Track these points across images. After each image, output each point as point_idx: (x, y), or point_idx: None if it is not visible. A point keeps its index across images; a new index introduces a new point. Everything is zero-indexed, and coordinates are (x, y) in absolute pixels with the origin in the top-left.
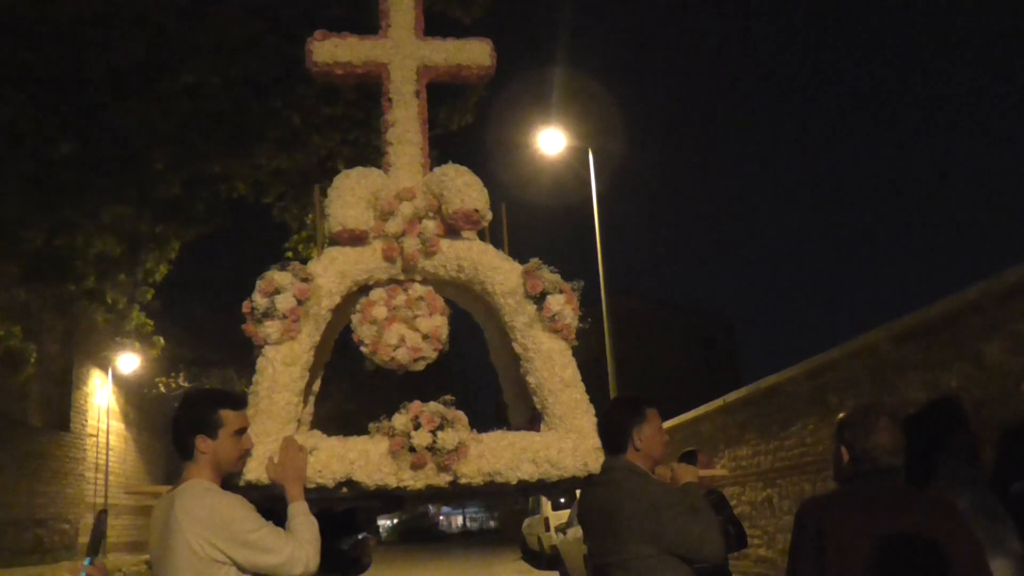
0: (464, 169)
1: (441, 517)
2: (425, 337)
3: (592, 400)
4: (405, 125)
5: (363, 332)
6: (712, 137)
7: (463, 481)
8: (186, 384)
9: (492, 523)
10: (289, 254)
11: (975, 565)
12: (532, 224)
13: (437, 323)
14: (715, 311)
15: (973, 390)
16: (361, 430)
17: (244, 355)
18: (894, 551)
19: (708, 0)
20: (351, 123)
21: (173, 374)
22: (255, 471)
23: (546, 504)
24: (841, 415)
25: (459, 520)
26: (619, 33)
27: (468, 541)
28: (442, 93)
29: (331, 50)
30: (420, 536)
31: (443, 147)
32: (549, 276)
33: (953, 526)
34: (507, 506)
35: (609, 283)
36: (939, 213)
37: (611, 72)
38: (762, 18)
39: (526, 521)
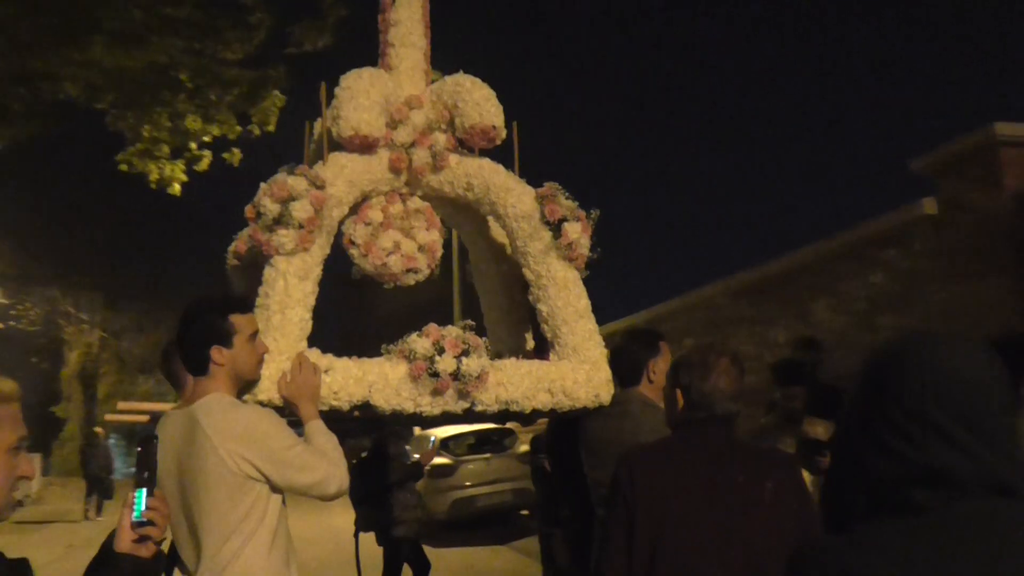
0: (480, 82)
1: None
2: (420, 248)
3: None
4: (409, 26)
5: (356, 232)
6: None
7: (479, 408)
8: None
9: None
10: (124, 167)
11: (804, 526)
12: None
13: (434, 237)
14: None
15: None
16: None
17: (71, 272)
18: (710, 509)
19: None
20: (196, 30)
21: None
22: (267, 391)
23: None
24: (679, 355)
25: None
26: None
27: None
28: (297, 9)
29: None
30: None
31: (298, 68)
32: (566, 203)
33: (783, 481)
34: None
35: None
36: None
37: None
38: None
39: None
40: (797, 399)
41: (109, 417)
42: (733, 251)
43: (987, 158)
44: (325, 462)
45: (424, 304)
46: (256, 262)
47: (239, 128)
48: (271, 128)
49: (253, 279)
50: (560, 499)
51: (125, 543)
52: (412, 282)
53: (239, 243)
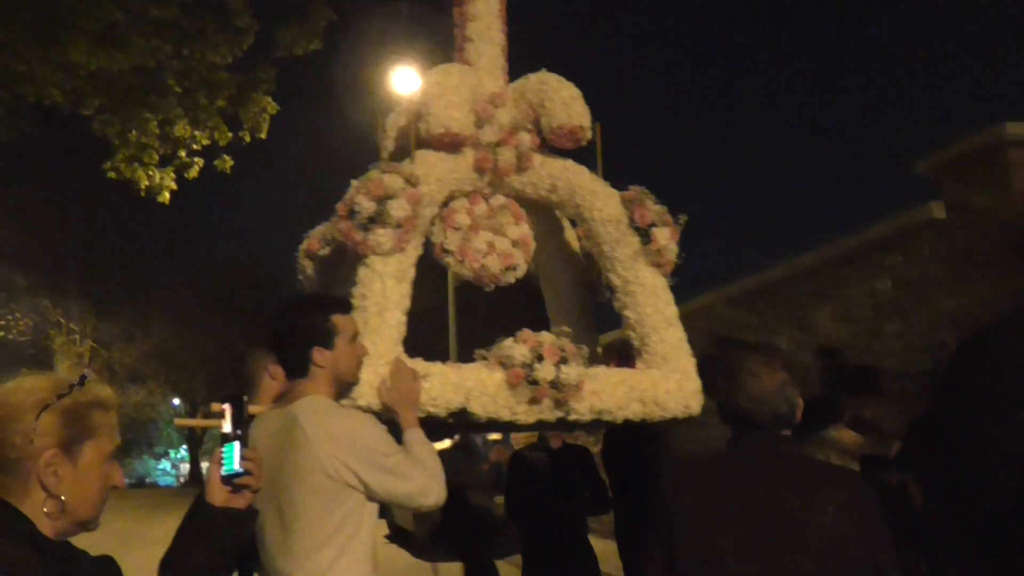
0: (566, 81)
1: None
2: (514, 244)
3: (436, 347)
4: (487, 21)
5: (447, 239)
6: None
7: (572, 418)
8: None
9: None
10: (112, 174)
11: (874, 558)
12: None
13: (525, 230)
14: None
15: (801, 355)
16: (196, 366)
17: (61, 282)
18: (760, 537)
19: None
20: (183, 34)
21: None
22: (367, 395)
23: None
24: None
25: None
26: None
27: None
28: (286, 11)
29: None
30: None
31: (288, 72)
32: (655, 207)
33: (849, 506)
34: None
35: None
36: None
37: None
38: None
39: None
40: (870, 409)
41: (180, 422)
42: (732, 257)
43: (995, 159)
44: (424, 472)
45: (417, 312)
46: (334, 262)
47: (229, 134)
48: (263, 135)
49: (329, 279)
50: (621, 515)
51: (219, 496)
52: (512, 280)
53: (311, 242)
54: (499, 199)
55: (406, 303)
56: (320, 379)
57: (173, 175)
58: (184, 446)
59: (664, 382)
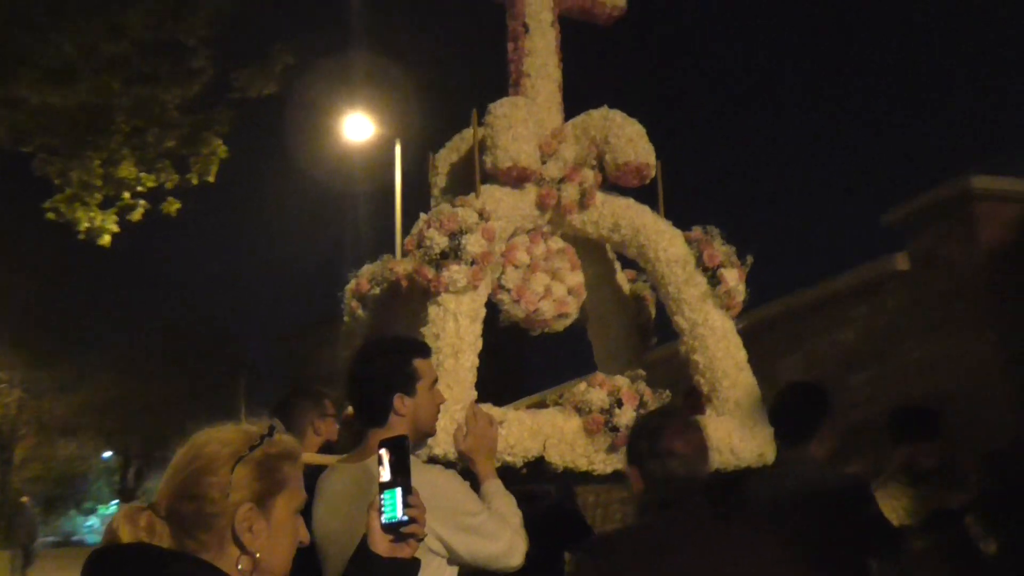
0: (630, 118)
1: None
2: (570, 292)
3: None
4: (544, 57)
5: (507, 276)
6: None
7: None
8: None
9: None
10: (51, 215)
11: None
12: (335, 212)
13: (579, 279)
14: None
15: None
16: (133, 419)
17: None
18: None
19: None
20: (135, 72)
21: None
22: (443, 444)
23: None
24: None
25: None
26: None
27: None
28: (244, 55)
29: None
30: None
31: (242, 113)
32: (723, 248)
33: (786, 565)
34: None
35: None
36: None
37: (434, 66)
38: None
39: None
40: (929, 456)
41: (308, 458)
42: None
43: (962, 212)
44: (509, 530)
45: None
46: (386, 302)
47: (176, 176)
48: (211, 178)
49: (381, 320)
50: None
51: (382, 546)
52: (561, 328)
53: (360, 281)
54: (557, 242)
55: (479, 345)
56: (399, 428)
57: (115, 217)
58: (115, 501)
59: (739, 430)
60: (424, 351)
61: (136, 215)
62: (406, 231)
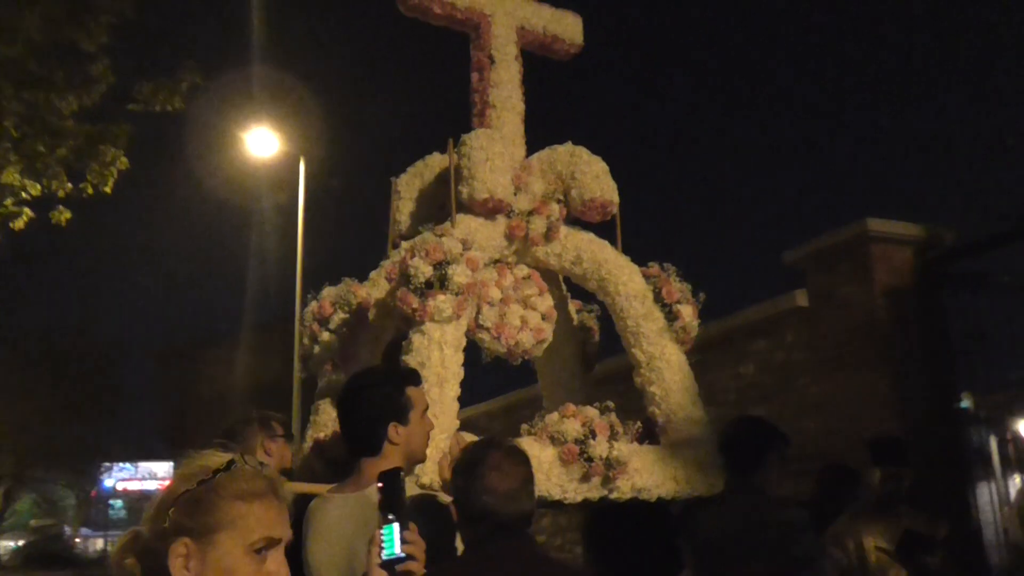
0: (594, 155)
1: (78, 539)
2: (544, 317)
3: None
4: (509, 90)
5: (484, 316)
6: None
7: (614, 496)
8: None
9: None
10: None
11: None
12: (236, 229)
13: (549, 302)
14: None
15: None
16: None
17: None
18: None
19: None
20: (28, 75)
21: None
22: (429, 472)
23: None
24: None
25: (99, 543)
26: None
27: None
28: (151, 70)
29: None
30: (50, 562)
31: (142, 126)
32: (679, 284)
33: None
34: None
35: (304, 302)
36: None
37: (343, 84)
38: None
39: None
40: (903, 480)
41: (291, 486)
42: (602, 337)
43: (858, 253)
44: None
45: (262, 384)
46: (354, 326)
47: (70, 185)
48: (108, 189)
49: (349, 344)
50: None
51: None
52: (540, 353)
53: (323, 304)
54: (522, 269)
55: (462, 374)
56: (393, 458)
57: None
58: None
59: (694, 459)
60: (416, 379)
61: (18, 223)
62: (308, 248)
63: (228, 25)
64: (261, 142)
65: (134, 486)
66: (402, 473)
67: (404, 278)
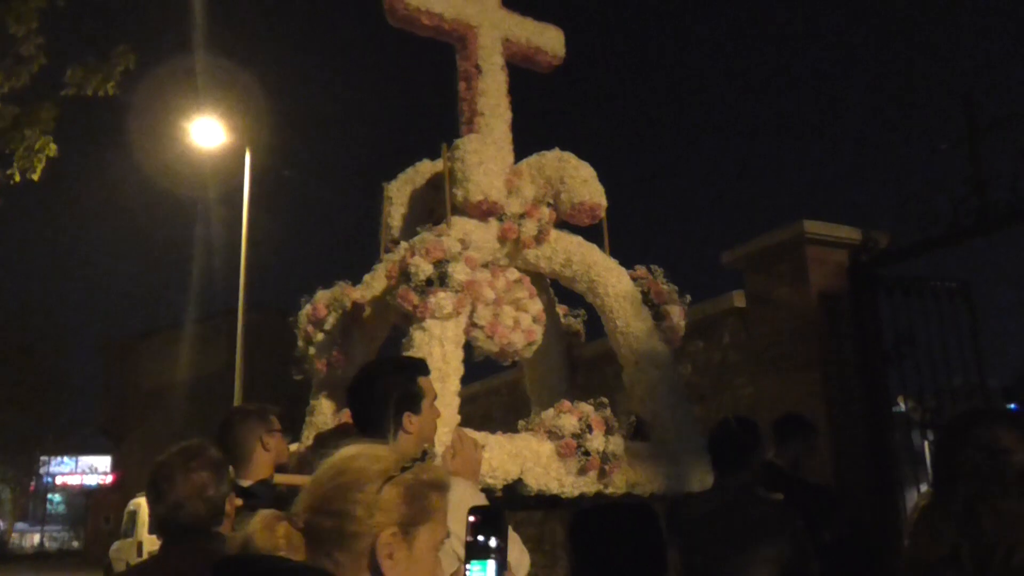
0: (582, 160)
1: (15, 534)
2: (534, 319)
3: (216, 410)
4: (496, 98)
5: (478, 315)
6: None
7: (609, 491)
8: None
9: (76, 544)
10: None
11: None
12: (181, 220)
13: (539, 305)
14: None
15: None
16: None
17: None
18: None
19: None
20: None
21: None
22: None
23: (141, 527)
24: None
25: (35, 539)
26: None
27: (44, 564)
28: (80, 52)
29: None
30: None
31: (81, 111)
32: (666, 286)
33: None
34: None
35: (249, 295)
36: None
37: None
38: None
39: (115, 544)
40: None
41: (280, 479)
42: None
43: (794, 255)
44: (517, 547)
45: (205, 377)
46: (347, 326)
47: None
48: (35, 177)
49: (345, 343)
50: None
51: None
52: (530, 354)
53: (318, 307)
54: (513, 273)
55: (462, 370)
56: (405, 444)
57: None
58: None
59: (683, 456)
60: (425, 369)
61: None
62: (252, 239)
63: (178, 16)
64: (206, 132)
65: (74, 480)
66: (504, 513)
67: (404, 276)
